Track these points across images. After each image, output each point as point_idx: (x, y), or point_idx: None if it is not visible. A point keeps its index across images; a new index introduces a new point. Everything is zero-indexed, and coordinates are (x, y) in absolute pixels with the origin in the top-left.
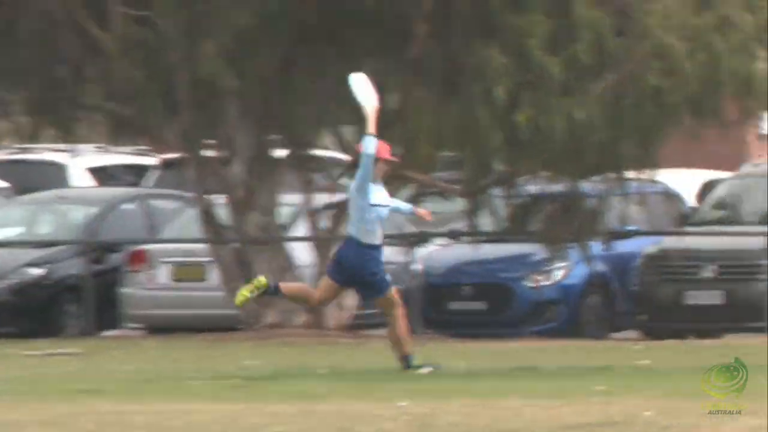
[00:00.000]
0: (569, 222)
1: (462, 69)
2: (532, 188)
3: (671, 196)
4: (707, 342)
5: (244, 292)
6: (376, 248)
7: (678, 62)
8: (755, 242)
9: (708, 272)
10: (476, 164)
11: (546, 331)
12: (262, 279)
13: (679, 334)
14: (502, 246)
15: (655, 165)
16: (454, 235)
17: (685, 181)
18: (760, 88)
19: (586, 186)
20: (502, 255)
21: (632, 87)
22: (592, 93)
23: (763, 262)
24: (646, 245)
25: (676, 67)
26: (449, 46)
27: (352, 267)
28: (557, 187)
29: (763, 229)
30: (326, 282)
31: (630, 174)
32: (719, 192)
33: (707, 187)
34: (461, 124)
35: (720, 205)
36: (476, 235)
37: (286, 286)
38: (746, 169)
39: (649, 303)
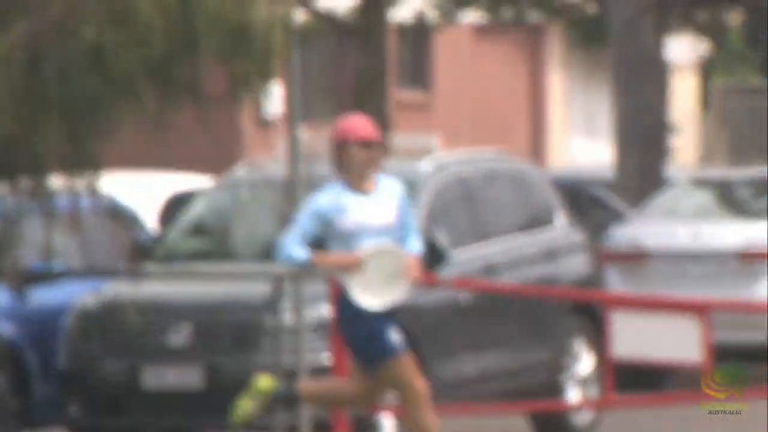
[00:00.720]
0: None
1: None
2: None
3: (122, 217)
4: None
5: (244, 405)
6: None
7: (132, 6)
8: (253, 289)
9: (179, 337)
10: None
11: None
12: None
13: None
14: None
15: (98, 167)
16: None
17: (146, 192)
18: (263, 46)
19: None
20: None
21: (59, 44)
22: None
23: (268, 318)
24: (82, 294)
25: (129, 14)
26: None
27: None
28: None
29: (266, 268)
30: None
31: (56, 181)
32: (197, 209)
33: (176, 203)
34: None
35: (198, 230)
36: None
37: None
38: (240, 172)
39: (84, 386)
